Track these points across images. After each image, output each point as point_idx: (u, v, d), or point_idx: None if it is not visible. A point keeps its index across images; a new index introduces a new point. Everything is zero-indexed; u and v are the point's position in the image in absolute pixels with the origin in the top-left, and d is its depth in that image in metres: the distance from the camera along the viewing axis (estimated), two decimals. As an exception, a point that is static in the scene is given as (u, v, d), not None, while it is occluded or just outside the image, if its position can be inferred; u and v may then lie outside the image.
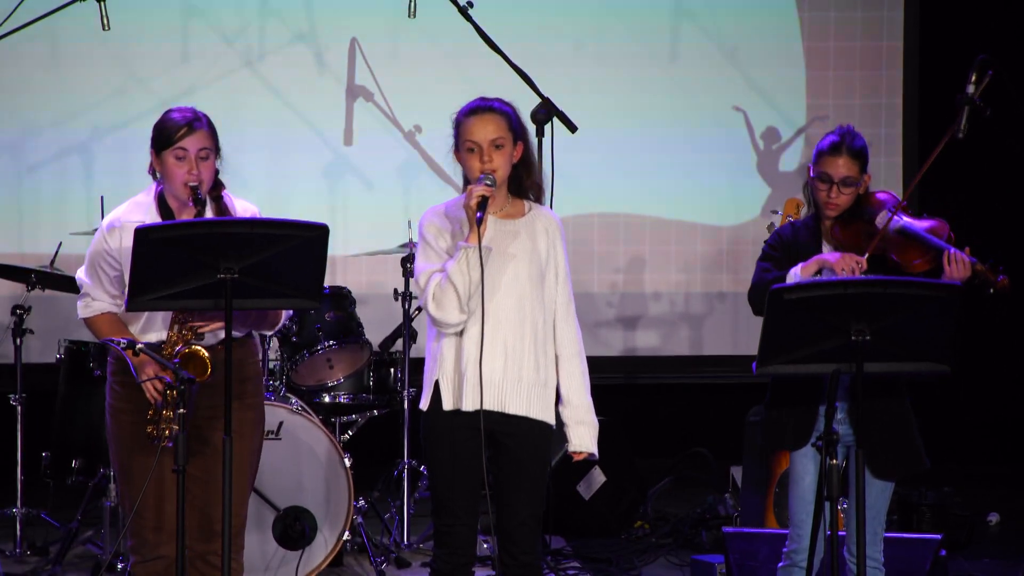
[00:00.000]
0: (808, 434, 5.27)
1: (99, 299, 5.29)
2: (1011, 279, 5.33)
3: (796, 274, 5.23)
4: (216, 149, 5.24)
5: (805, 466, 5.32)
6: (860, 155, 5.34)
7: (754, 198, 9.32)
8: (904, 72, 9.36)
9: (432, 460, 5.13)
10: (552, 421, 5.15)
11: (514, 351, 5.06)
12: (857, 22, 9.35)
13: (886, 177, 9.17)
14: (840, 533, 5.05)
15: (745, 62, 9.24)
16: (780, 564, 5.41)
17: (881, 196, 5.42)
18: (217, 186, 5.27)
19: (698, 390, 9.51)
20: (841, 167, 5.32)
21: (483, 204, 4.98)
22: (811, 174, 5.37)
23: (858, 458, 4.84)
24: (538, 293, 5.11)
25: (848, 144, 5.32)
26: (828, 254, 5.27)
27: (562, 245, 5.19)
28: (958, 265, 5.21)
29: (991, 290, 5.29)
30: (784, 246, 5.39)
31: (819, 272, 5.25)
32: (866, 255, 5.23)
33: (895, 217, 5.33)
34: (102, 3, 6.95)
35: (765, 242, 5.49)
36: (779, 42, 9.30)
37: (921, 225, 5.35)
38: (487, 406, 5.03)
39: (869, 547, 5.14)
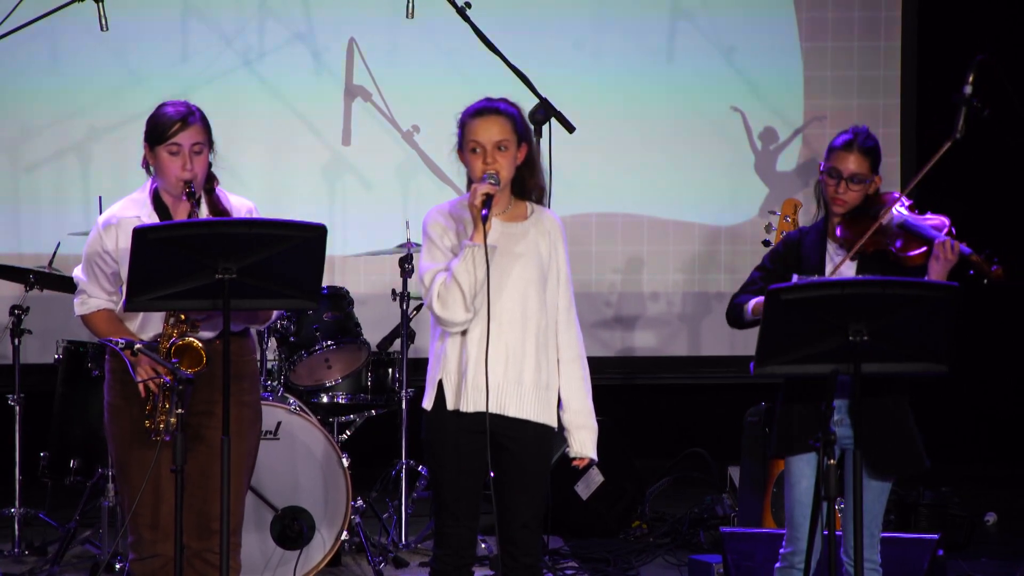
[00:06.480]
0: (812, 436, 5.27)
1: (95, 296, 5.29)
2: (1008, 275, 5.34)
3: (748, 308, 5.32)
4: (210, 143, 5.24)
5: (801, 469, 5.32)
6: (871, 153, 5.39)
7: (752, 198, 9.31)
8: (902, 72, 9.35)
9: (434, 460, 5.10)
10: (554, 423, 5.13)
11: (515, 353, 5.05)
12: (855, 22, 9.35)
13: (885, 177, 9.15)
14: (836, 533, 5.04)
15: (743, 62, 9.23)
16: (777, 565, 5.41)
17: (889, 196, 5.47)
18: (210, 179, 5.28)
19: (696, 391, 9.50)
20: (851, 163, 5.36)
21: (487, 202, 4.97)
22: (821, 169, 5.41)
23: (856, 459, 4.83)
24: (540, 295, 5.10)
25: (860, 142, 5.38)
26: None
27: (563, 247, 5.17)
28: (945, 250, 5.23)
29: (985, 280, 5.31)
30: (785, 256, 5.42)
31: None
32: (854, 249, 5.27)
33: (898, 213, 5.37)
34: (100, 3, 6.95)
35: (771, 249, 5.53)
36: (777, 42, 9.29)
37: (924, 221, 5.39)
38: (488, 408, 5.01)
39: (866, 549, 5.13)
